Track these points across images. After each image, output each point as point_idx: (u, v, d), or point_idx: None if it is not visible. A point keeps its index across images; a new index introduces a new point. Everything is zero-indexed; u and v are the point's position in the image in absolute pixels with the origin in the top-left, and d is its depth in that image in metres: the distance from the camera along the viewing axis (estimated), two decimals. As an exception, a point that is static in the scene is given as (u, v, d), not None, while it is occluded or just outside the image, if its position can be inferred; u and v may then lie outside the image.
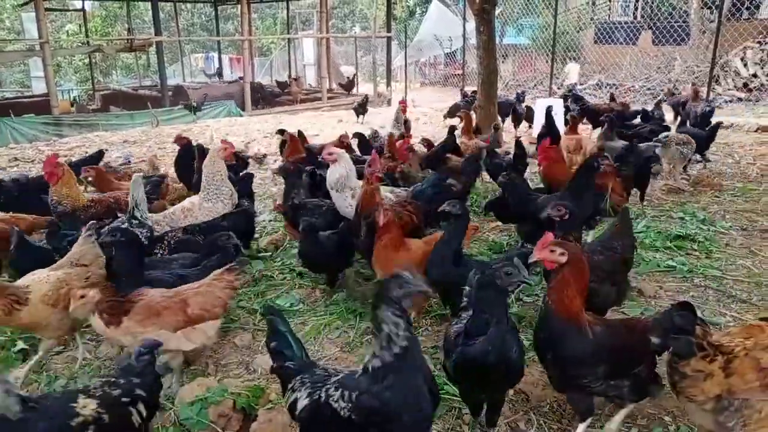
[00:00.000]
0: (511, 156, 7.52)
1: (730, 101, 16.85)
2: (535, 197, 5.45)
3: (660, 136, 7.89)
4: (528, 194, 5.56)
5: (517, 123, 12.60)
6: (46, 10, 17.82)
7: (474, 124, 9.86)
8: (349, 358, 3.96)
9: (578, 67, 21.58)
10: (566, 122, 8.42)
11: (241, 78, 22.21)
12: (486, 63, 11.02)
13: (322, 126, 15.16)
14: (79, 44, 24.80)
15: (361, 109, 15.79)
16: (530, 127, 12.63)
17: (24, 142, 14.39)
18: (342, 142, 7.84)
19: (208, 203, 5.51)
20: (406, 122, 10.04)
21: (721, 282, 4.95)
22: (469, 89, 17.26)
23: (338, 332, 4.35)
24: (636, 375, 2.90)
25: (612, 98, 13.23)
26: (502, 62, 22.15)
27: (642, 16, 22.55)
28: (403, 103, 10.50)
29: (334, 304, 4.76)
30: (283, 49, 30.38)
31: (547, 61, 20.55)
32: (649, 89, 18.89)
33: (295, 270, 5.44)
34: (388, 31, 24.44)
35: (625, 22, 22.71)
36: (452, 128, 9.05)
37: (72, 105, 20.55)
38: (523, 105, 12.73)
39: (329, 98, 21.76)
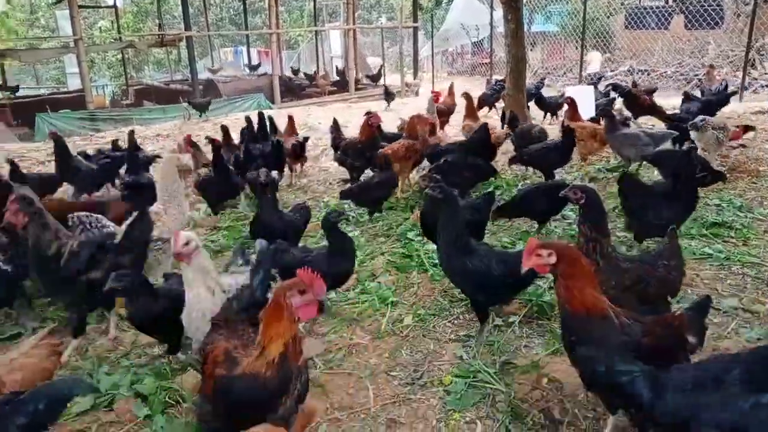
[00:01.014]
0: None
1: (767, 86, 16.38)
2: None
3: (696, 120, 7.73)
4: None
5: (545, 111, 12.46)
6: (79, 7, 18.12)
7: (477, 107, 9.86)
8: (380, 346, 4.00)
9: (600, 56, 21.19)
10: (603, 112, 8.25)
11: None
12: (514, 51, 10.89)
13: (350, 116, 15.17)
14: (112, 40, 25.21)
15: (389, 96, 17.24)
16: (553, 116, 12.50)
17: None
18: (371, 125, 7.86)
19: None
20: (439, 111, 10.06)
21: (760, 269, 4.84)
22: (496, 78, 17.11)
23: (370, 320, 4.39)
24: None
25: (634, 85, 12.98)
26: (531, 50, 21.89)
27: (674, 0, 22.01)
28: (435, 93, 10.42)
29: (367, 293, 4.80)
30: (311, 41, 30.46)
31: (576, 48, 20.24)
32: (682, 75, 18.46)
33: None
34: (415, 21, 24.32)
35: (657, 7, 22.18)
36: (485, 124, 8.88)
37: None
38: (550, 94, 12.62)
39: (356, 89, 21.79)
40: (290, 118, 9.93)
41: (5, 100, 20.03)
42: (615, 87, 11.64)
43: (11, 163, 7.33)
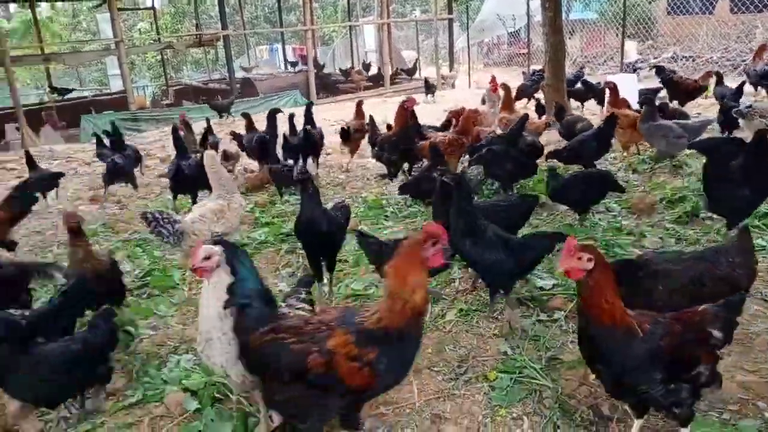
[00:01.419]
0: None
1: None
2: None
3: (741, 107, 7.48)
4: None
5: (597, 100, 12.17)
6: (119, 9, 18.59)
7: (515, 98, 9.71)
8: (423, 342, 3.97)
9: (635, 45, 20.67)
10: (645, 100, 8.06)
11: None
12: (552, 40, 10.70)
13: (386, 111, 15.16)
14: (151, 42, 25.76)
15: (430, 89, 17.64)
16: (599, 103, 12.21)
17: (105, 137, 15.12)
18: (406, 108, 7.85)
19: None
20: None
21: (816, 262, 4.66)
22: (534, 68, 16.86)
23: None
24: (696, 376, 2.68)
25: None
26: (569, 38, 21.46)
27: (719, -17, 21.28)
28: (493, 83, 10.26)
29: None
30: (345, 37, 30.52)
31: (617, 35, 19.76)
32: (728, 60, 17.86)
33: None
34: (450, 12, 24.13)
35: (701, -10, 21.52)
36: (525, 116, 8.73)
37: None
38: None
39: (392, 84, 21.75)
40: (358, 104, 10.17)
41: (51, 102, 20.68)
42: (658, 70, 11.33)
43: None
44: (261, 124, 9.65)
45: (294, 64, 25.92)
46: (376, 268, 4.54)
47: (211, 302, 2.70)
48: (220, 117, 16.21)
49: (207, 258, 2.71)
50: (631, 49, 20.36)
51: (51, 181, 8.29)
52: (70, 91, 22.70)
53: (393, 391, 3.42)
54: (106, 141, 9.55)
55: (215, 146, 9.01)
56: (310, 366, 2.55)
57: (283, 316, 2.80)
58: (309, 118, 9.18)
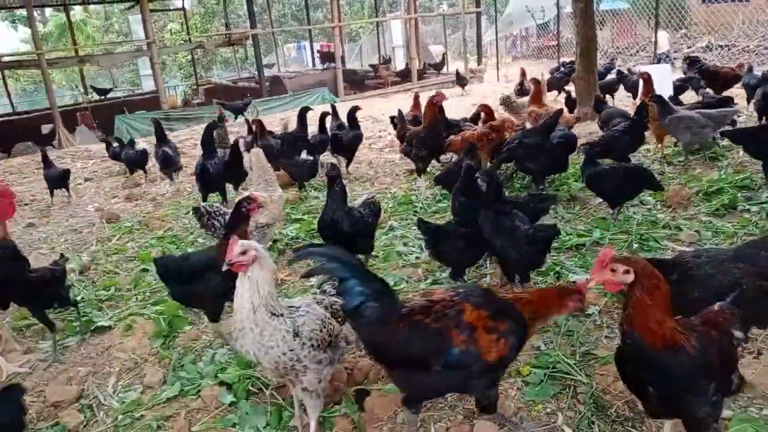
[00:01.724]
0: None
1: None
2: None
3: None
4: None
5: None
6: (150, 11, 18.90)
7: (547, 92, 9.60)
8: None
9: (667, 35, 20.16)
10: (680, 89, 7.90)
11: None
12: (583, 32, 10.55)
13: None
14: (182, 42, 26.14)
15: (461, 81, 18.03)
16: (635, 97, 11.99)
17: (138, 136, 15.41)
18: (435, 103, 7.79)
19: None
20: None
21: None
22: (564, 60, 16.64)
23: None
24: (730, 384, 2.50)
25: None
26: (600, 29, 21.06)
27: (756, -31, 20.67)
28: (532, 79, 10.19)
29: (438, 283, 4.78)
30: (372, 33, 30.55)
31: (649, 26, 19.37)
32: (766, 48, 17.36)
33: (397, 251, 5.52)
34: (477, 6, 23.95)
35: (737, -22, 20.93)
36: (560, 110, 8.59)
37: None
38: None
39: (420, 79, 21.69)
40: (416, 97, 10.46)
41: (86, 103, 21.16)
42: (692, 62, 11.07)
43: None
44: (291, 122, 9.74)
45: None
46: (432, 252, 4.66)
47: (245, 295, 2.77)
48: (235, 119, 15.98)
49: (243, 253, 2.78)
50: (663, 40, 19.89)
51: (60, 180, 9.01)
52: (110, 90, 23.35)
53: (425, 385, 3.44)
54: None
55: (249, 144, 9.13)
56: (453, 342, 2.60)
57: (406, 301, 2.88)
58: (351, 117, 9.18)
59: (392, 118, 9.31)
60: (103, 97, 21.97)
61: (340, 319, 3.23)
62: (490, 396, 2.84)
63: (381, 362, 2.97)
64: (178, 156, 9.14)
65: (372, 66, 23.99)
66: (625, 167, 5.99)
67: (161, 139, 9.04)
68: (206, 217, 5.18)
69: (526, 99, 9.87)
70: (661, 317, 2.35)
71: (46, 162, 9.01)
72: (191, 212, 5.49)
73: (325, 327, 3.00)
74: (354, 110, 9.26)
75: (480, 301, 2.73)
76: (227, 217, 5.00)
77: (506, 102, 10.06)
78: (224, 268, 2.83)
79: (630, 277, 2.38)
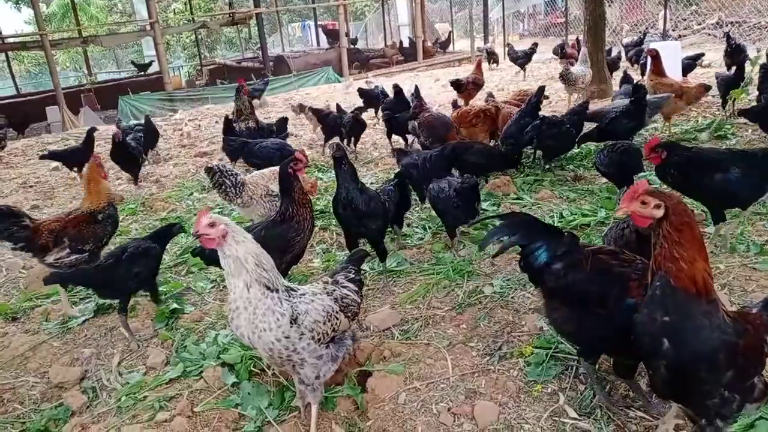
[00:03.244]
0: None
1: None
2: None
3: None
4: None
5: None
6: (154, -10, 18.75)
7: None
8: (458, 318, 3.96)
9: (663, 12, 19.89)
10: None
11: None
12: (591, 8, 10.40)
13: (419, 85, 15.02)
14: (185, 22, 25.96)
15: (492, 56, 17.47)
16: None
17: (142, 118, 15.39)
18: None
19: None
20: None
21: None
22: (572, 38, 16.42)
23: (445, 291, 4.36)
24: (751, 388, 2.29)
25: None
26: (608, 6, 20.79)
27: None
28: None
29: (441, 264, 4.76)
30: (377, 11, 30.20)
31: (658, 2, 19.04)
32: (778, 24, 17.06)
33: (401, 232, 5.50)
34: (484, -17, 23.62)
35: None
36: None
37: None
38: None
39: (425, 57, 21.49)
40: (478, 63, 11.50)
41: (89, 84, 21.11)
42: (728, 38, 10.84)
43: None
44: (294, 102, 9.68)
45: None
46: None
47: (234, 274, 2.66)
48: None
49: (211, 225, 2.64)
50: (661, 18, 19.61)
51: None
52: (149, 65, 23.86)
53: (427, 366, 3.44)
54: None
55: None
56: (630, 292, 2.61)
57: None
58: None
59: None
60: (143, 73, 22.61)
61: (350, 315, 3.10)
62: (637, 364, 2.86)
63: (561, 305, 2.94)
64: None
65: (381, 50, 23.80)
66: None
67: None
68: (218, 175, 5.18)
69: (582, 70, 9.88)
70: (692, 256, 2.18)
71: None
72: (204, 171, 5.49)
73: (329, 320, 2.88)
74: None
75: None
76: (239, 177, 5.13)
77: (564, 75, 9.84)
78: (192, 238, 2.70)
79: (660, 212, 2.24)
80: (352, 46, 23.42)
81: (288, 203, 4.16)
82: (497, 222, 3.08)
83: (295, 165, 4.19)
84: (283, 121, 9.07)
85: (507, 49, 17.03)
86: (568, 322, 2.90)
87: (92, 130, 8.90)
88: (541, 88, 7.35)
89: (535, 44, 16.04)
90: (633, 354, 2.59)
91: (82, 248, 4.60)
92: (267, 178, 5.32)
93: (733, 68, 8.24)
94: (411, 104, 8.24)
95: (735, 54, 10.29)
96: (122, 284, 4.04)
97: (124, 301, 4.10)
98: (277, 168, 5.38)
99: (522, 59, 15.27)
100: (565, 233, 2.95)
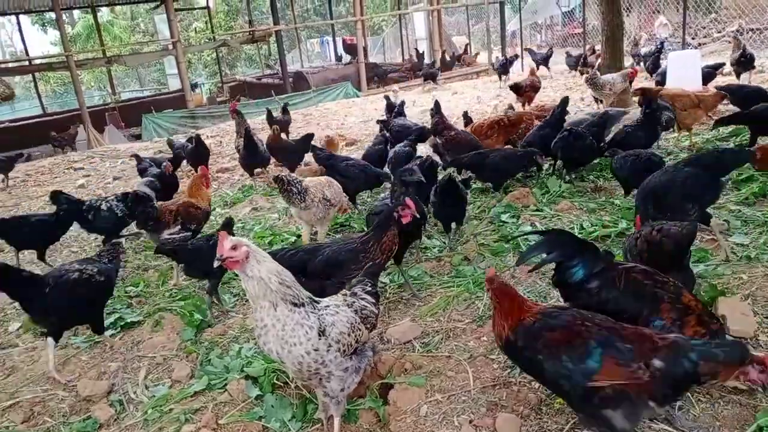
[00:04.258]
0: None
1: None
2: None
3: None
4: None
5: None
6: (175, 10, 19.13)
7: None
8: (478, 330, 3.97)
9: (665, 21, 19.94)
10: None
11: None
12: (609, 18, 10.39)
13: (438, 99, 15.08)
14: (207, 40, 26.41)
15: (502, 69, 17.78)
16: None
17: (165, 135, 15.65)
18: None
19: None
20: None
21: None
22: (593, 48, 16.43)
23: (466, 304, 4.37)
24: None
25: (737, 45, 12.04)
26: (627, 16, 20.73)
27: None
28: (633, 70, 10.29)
29: (461, 277, 4.78)
30: (395, 25, 30.43)
31: (677, 10, 18.94)
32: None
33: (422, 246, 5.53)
34: (501, -5, 23.71)
35: (769, -43, 20.30)
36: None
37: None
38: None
39: (443, 71, 21.57)
40: (531, 71, 12.56)
41: (113, 103, 21.54)
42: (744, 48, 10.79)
43: (136, 156, 8.02)
44: (313, 118, 9.80)
45: (339, 59, 26.19)
46: None
47: (259, 294, 2.69)
48: None
49: (233, 248, 2.67)
50: (661, 27, 19.63)
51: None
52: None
53: (447, 378, 3.45)
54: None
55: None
56: (661, 313, 2.68)
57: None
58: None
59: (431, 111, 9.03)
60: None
61: (369, 326, 3.14)
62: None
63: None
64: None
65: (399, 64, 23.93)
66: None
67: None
68: (287, 184, 5.55)
69: (612, 77, 9.93)
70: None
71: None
72: (273, 180, 5.86)
73: (353, 331, 2.92)
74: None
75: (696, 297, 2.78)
76: (302, 185, 5.57)
77: (591, 80, 9.95)
78: (215, 264, 2.69)
79: None
80: (370, 61, 23.63)
81: (374, 241, 4.03)
82: (536, 238, 3.11)
83: (402, 212, 4.07)
84: (308, 138, 9.09)
85: (528, 52, 19.66)
86: None
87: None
88: (565, 99, 7.38)
89: (551, 48, 19.20)
90: None
91: (189, 227, 5.84)
92: (323, 185, 5.80)
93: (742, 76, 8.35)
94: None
95: (747, 63, 10.45)
96: (206, 266, 4.19)
97: (215, 280, 4.75)
98: (324, 179, 6.00)
99: (541, 61, 17.99)
100: (602, 251, 2.98)
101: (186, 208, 5.97)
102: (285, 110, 12.09)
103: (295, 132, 11.93)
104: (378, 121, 9.71)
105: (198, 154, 9.25)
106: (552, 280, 2.98)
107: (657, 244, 3.42)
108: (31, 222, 6.02)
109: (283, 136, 9.85)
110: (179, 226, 5.81)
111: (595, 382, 2.45)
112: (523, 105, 11.27)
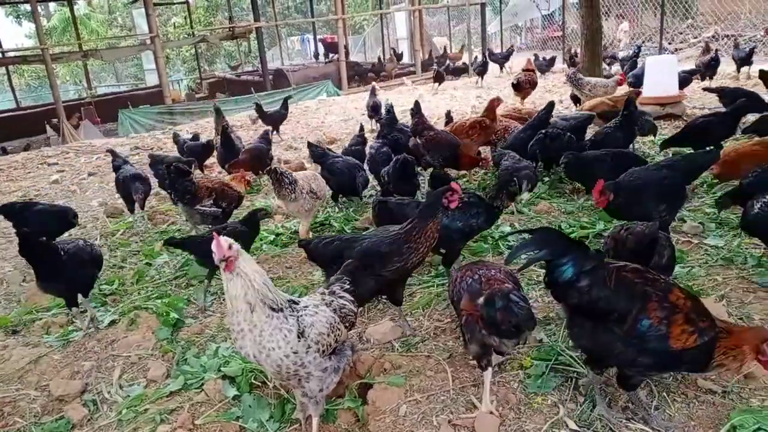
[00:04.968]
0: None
1: None
2: None
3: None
4: None
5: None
6: (154, 4, 18.87)
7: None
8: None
9: (627, 26, 20.45)
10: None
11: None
12: (589, 22, 10.52)
13: (417, 98, 15.10)
14: (186, 36, 26.14)
15: (481, 69, 18.27)
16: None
17: (142, 131, 15.45)
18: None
19: None
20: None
21: None
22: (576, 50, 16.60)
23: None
24: None
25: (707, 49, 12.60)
26: (605, 20, 20.99)
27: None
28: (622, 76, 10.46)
29: (441, 276, 4.78)
30: (376, 25, 30.42)
31: (655, 15, 19.23)
32: (774, 38, 17.22)
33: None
34: (482, -3, 23.84)
35: (744, -35, 20.72)
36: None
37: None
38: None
39: (424, 71, 21.63)
40: (528, 62, 13.08)
41: (89, 98, 21.20)
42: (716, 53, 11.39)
43: (111, 152, 7.83)
44: (293, 116, 9.74)
45: (326, 55, 26.03)
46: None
47: (239, 294, 2.65)
48: None
49: (230, 247, 2.63)
50: (622, 33, 20.08)
51: None
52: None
53: (427, 378, 3.45)
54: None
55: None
56: (648, 312, 2.63)
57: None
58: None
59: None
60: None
61: (348, 325, 3.11)
62: (642, 378, 2.92)
63: (581, 320, 2.95)
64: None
65: (378, 61, 23.87)
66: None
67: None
68: (279, 175, 5.72)
69: (595, 79, 10.29)
70: None
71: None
72: (266, 173, 6.05)
73: (333, 331, 2.89)
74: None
75: (688, 294, 2.74)
76: (291, 176, 5.72)
77: (573, 79, 10.26)
78: (221, 265, 2.64)
79: None
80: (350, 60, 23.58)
81: (419, 228, 3.77)
82: (525, 236, 3.09)
83: (450, 196, 3.84)
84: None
85: (487, 52, 20.96)
86: (585, 337, 2.92)
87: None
88: (551, 103, 7.54)
89: (512, 47, 21.30)
90: (643, 368, 2.74)
91: (220, 204, 6.03)
92: (309, 178, 6.03)
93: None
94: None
95: (713, 67, 11.52)
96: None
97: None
98: (310, 172, 6.22)
99: (501, 60, 20.15)
100: (592, 249, 2.99)
101: (222, 186, 6.24)
102: (285, 104, 12.23)
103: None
104: (378, 120, 9.66)
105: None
106: (544, 281, 2.98)
107: (622, 242, 3.73)
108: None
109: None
110: (211, 201, 6.02)
111: None
112: (522, 100, 11.87)
